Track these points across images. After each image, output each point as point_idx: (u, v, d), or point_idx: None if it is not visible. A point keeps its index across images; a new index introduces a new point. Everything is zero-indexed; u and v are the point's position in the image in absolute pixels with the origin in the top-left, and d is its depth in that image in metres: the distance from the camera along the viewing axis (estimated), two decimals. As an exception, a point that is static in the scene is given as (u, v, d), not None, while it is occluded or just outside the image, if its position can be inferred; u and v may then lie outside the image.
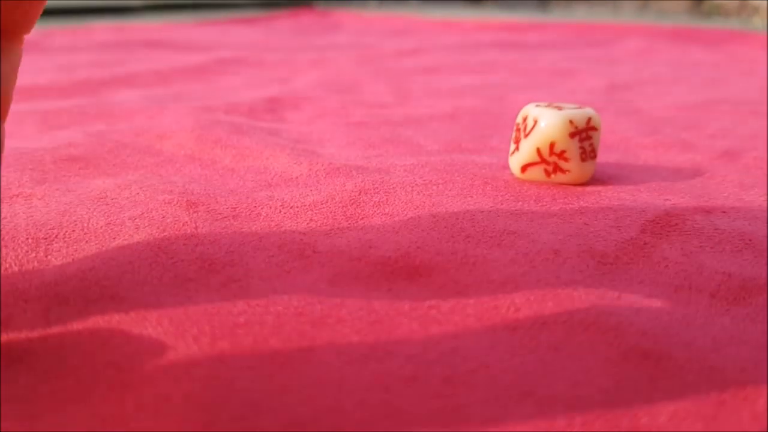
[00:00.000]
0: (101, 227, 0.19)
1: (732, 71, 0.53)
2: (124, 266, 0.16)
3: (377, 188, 0.22)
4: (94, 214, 0.20)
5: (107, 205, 0.21)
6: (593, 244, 0.18)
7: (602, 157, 0.27)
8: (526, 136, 0.23)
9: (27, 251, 0.18)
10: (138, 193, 0.22)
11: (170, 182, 0.23)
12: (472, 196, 0.21)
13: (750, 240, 0.18)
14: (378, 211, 0.20)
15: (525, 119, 0.23)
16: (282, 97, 0.39)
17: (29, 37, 0.67)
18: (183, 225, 0.19)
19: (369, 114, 0.35)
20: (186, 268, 0.17)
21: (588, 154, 0.23)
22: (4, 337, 0.14)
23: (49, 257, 0.17)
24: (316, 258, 0.17)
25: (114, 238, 0.18)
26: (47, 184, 0.23)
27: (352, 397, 0.12)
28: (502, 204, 0.21)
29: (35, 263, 0.17)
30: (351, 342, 0.13)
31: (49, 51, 0.59)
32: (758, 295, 0.15)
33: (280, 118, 0.35)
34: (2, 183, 0.23)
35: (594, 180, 0.24)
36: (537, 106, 0.23)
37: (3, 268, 0.17)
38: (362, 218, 0.20)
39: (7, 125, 0.31)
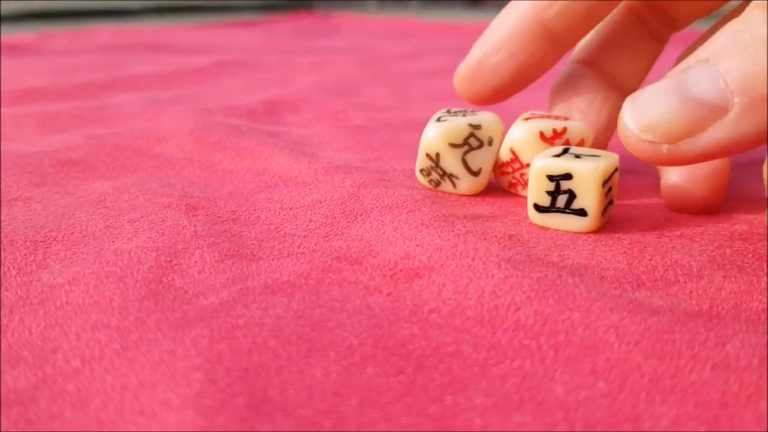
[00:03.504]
0: (100, 230, 0.19)
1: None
2: (123, 269, 0.16)
3: (376, 183, 0.22)
4: (93, 217, 0.20)
5: (106, 208, 0.21)
6: (595, 244, 0.18)
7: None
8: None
9: (25, 254, 0.18)
10: (137, 197, 0.22)
11: (169, 185, 0.23)
12: (471, 202, 0.21)
13: (747, 239, 0.18)
14: (377, 204, 0.20)
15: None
16: (281, 100, 0.39)
17: (28, 40, 0.67)
18: (182, 228, 0.19)
19: (368, 117, 0.35)
20: (185, 270, 0.16)
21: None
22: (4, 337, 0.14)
23: (48, 260, 0.17)
24: (315, 262, 0.17)
25: (113, 241, 0.18)
26: (46, 187, 0.23)
27: (351, 400, 0.12)
28: (500, 209, 0.20)
29: (33, 267, 0.17)
30: (351, 345, 0.13)
31: (48, 53, 0.59)
32: (759, 300, 0.15)
33: (279, 120, 0.35)
34: (1, 186, 0.23)
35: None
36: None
37: (2, 271, 0.17)
38: (361, 213, 0.20)
39: (6, 128, 0.31)
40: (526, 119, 0.21)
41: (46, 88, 0.41)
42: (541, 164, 0.18)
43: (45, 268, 0.17)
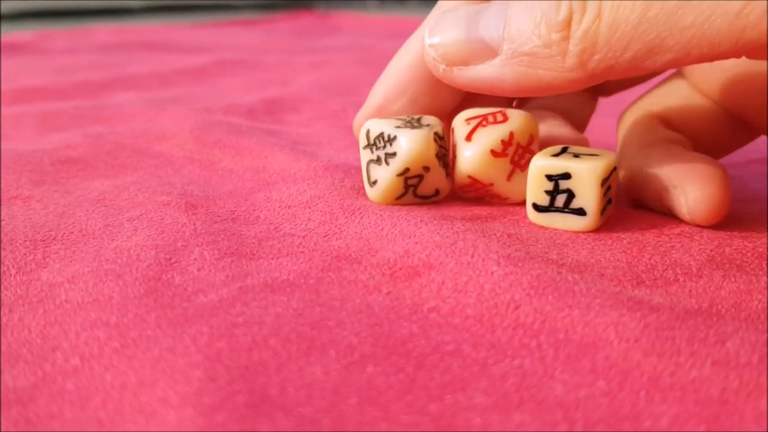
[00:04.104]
0: (99, 229, 0.19)
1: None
2: (122, 267, 0.16)
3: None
4: (93, 215, 0.20)
5: (105, 206, 0.21)
6: (594, 243, 0.18)
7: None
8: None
9: (25, 253, 0.18)
10: (136, 195, 0.22)
11: (169, 184, 0.23)
12: (469, 203, 0.21)
13: (747, 238, 0.18)
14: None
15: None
16: (281, 99, 0.39)
17: (28, 39, 0.67)
18: (182, 226, 0.19)
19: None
20: (184, 268, 0.16)
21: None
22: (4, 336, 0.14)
23: (47, 259, 0.17)
24: (315, 261, 0.17)
25: (112, 239, 0.18)
26: (45, 185, 0.23)
27: (351, 398, 0.12)
28: (499, 210, 0.20)
29: (33, 265, 0.17)
30: (351, 344, 0.13)
31: (48, 53, 0.59)
32: (758, 299, 0.15)
33: (279, 119, 0.35)
34: (1, 185, 0.23)
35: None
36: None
37: (2, 269, 0.17)
38: (361, 212, 0.20)
39: (6, 127, 0.31)
40: (468, 136, 0.19)
41: (45, 87, 0.41)
42: (540, 164, 0.18)
43: (44, 267, 0.17)
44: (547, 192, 0.18)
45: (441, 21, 0.18)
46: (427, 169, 0.19)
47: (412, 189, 0.20)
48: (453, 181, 0.20)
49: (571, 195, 0.18)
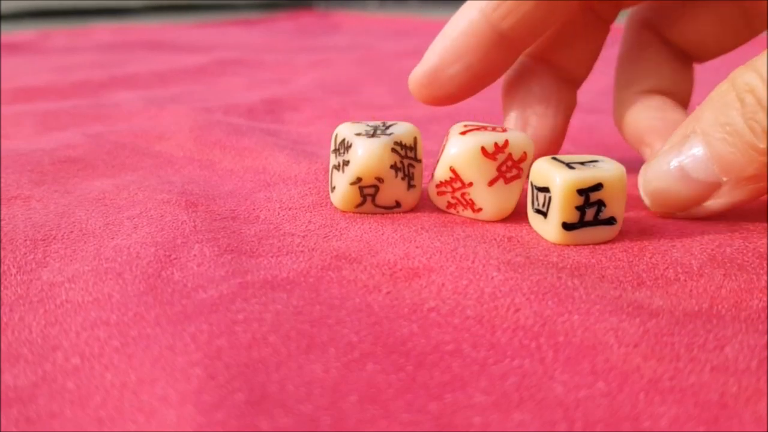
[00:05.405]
0: (99, 228, 0.19)
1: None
2: (122, 265, 0.16)
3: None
4: (93, 214, 0.20)
5: (105, 205, 0.21)
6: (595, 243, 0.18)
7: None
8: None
9: (25, 253, 0.18)
10: (136, 193, 0.22)
11: (169, 182, 0.23)
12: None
13: (747, 237, 0.18)
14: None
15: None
16: (281, 98, 0.39)
17: (28, 38, 0.67)
18: (181, 223, 0.19)
19: (369, 116, 0.35)
20: (184, 264, 0.16)
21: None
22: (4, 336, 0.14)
23: (48, 258, 0.17)
24: (315, 260, 0.17)
25: (112, 238, 0.18)
26: (45, 185, 0.23)
27: (351, 396, 0.12)
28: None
29: (33, 265, 0.17)
30: (350, 342, 0.13)
31: (48, 52, 0.59)
32: (759, 298, 0.15)
33: (279, 119, 0.35)
34: (1, 185, 0.23)
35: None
36: None
37: (2, 269, 0.17)
38: (362, 216, 0.20)
39: (5, 126, 0.31)
40: (463, 133, 0.19)
41: (45, 87, 0.41)
42: (569, 179, 0.17)
43: (45, 267, 0.17)
44: (577, 207, 0.17)
45: (649, 177, 0.19)
46: (380, 180, 0.19)
47: (370, 198, 0.19)
48: (420, 193, 0.20)
49: (601, 206, 0.18)
